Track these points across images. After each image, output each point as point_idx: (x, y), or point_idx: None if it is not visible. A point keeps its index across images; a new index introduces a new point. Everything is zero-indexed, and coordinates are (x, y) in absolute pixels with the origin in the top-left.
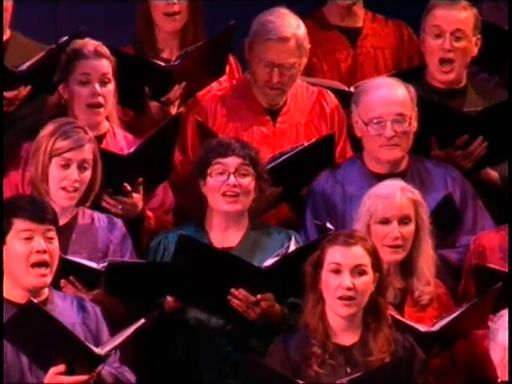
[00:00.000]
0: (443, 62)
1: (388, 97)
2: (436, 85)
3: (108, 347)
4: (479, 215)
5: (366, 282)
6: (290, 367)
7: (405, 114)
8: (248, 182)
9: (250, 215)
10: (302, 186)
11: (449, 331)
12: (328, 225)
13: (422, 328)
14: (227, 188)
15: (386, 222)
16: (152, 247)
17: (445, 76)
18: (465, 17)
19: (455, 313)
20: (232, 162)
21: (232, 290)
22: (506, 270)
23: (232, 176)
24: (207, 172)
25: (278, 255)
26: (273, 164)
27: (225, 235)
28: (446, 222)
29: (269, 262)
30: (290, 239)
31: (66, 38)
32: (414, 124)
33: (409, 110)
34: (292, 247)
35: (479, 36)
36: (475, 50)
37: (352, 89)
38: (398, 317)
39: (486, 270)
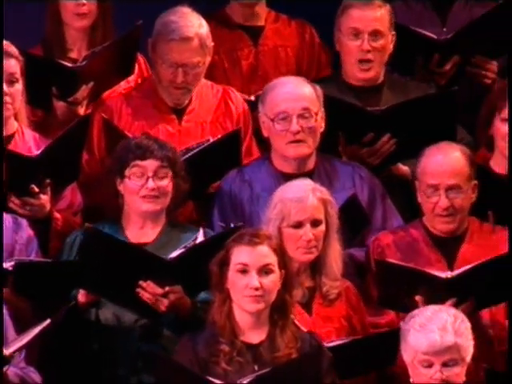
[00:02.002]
0: (362, 62)
1: (293, 92)
2: (352, 82)
3: (13, 348)
4: (388, 214)
5: (274, 280)
6: (197, 365)
7: (311, 109)
8: (166, 183)
9: (168, 212)
10: (208, 183)
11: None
12: (232, 226)
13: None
14: (146, 192)
15: (298, 225)
16: (68, 242)
17: (364, 74)
18: (381, 16)
19: (354, 337)
20: (150, 165)
21: (140, 282)
22: (406, 265)
23: (150, 180)
24: (125, 173)
25: (184, 247)
26: None
27: (142, 232)
28: (352, 221)
29: (175, 253)
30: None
31: None
32: (322, 123)
33: (315, 106)
34: (200, 239)
35: (394, 32)
36: (391, 46)
37: (253, 98)
38: (295, 321)
39: (387, 265)
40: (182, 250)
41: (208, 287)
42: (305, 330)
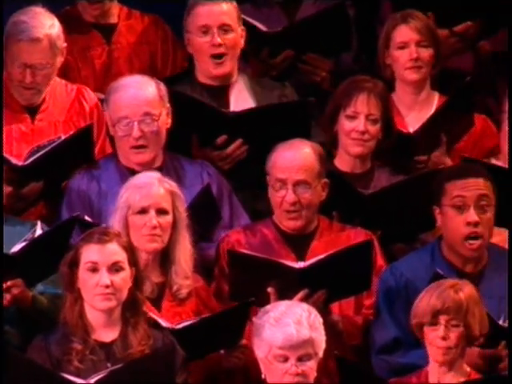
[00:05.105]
0: (215, 57)
1: (134, 97)
2: (206, 82)
3: None
4: (235, 211)
5: (124, 277)
6: (50, 364)
7: (152, 114)
8: None
9: None
10: (61, 181)
11: (192, 333)
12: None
13: (164, 323)
14: None
15: (143, 211)
16: None
17: (218, 69)
18: (228, 9)
19: (205, 315)
20: None
21: None
22: (258, 255)
23: None
24: None
25: (24, 240)
26: (31, 159)
27: None
28: (205, 215)
29: (16, 247)
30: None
31: None
32: (167, 120)
33: (157, 108)
34: (38, 232)
35: (243, 27)
36: (242, 41)
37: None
38: (148, 311)
39: (239, 256)
40: (24, 243)
41: (46, 277)
42: (164, 324)
